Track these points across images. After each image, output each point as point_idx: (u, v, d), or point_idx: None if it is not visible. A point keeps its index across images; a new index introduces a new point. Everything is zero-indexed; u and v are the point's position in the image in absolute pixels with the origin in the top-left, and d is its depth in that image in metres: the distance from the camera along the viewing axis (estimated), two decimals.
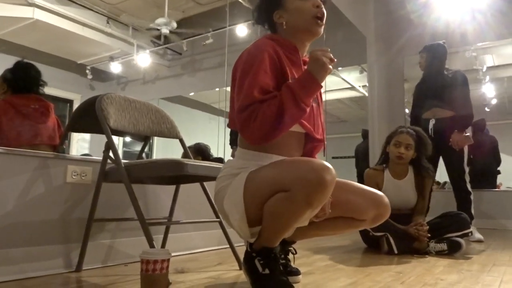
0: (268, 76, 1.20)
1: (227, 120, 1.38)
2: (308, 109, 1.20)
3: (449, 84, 3.08)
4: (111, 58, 6.67)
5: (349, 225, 1.40)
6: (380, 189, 2.41)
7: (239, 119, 1.17)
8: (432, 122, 3.11)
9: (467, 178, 3.03)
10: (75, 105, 6.34)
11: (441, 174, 3.62)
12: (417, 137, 2.44)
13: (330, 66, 1.17)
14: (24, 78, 2.18)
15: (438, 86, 3.10)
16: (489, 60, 5.21)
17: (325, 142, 1.41)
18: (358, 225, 1.40)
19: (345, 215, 1.38)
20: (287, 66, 1.26)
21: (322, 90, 1.32)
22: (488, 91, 5.39)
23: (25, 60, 2.28)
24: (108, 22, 6.08)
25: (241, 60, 1.26)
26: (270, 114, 1.13)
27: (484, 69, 5.19)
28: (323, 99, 1.46)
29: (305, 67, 1.23)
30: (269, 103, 1.15)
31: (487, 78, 5.30)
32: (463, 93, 3.05)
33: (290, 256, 1.53)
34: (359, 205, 1.36)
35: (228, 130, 4.80)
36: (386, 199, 1.39)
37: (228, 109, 1.35)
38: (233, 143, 4.15)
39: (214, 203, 1.35)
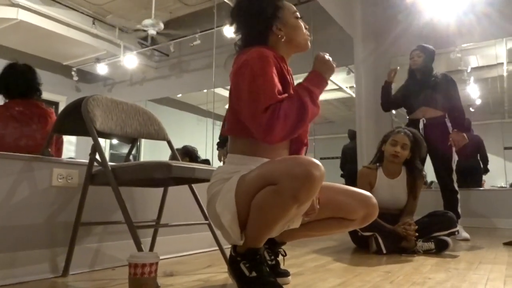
0: (277, 79, 1.27)
1: (216, 122, 1.39)
2: None
3: (440, 84, 3.12)
4: (97, 60, 6.60)
5: (339, 225, 1.42)
6: (372, 187, 2.46)
7: (261, 119, 1.18)
8: (422, 122, 3.15)
9: (455, 177, 3.08)
10: (61, 107, 6.24)
11: (428, 173, 3.66)
12: (413, 138, 2.48)
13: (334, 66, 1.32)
14: (20, 83, 2.11)
15: (429, 86, 3.14)
16: (474, 61, 5.30)
17: (308, 144, 1.44)
18: (348, 225, 1.42)
19: (336, 215, 1.40)
20: (284, 71, 1.34)
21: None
22: (472, 92, 5.48)
23: (20, 63, 2.20)
24: (94, 23, 6.02)
25: (245, 66, 1.25)
26: (292, 113, 1.19)
27: (469, 70, 5.28)
28: None
29: (308, 72, 1.34)
30: (288, 102, 1.20)
31: (472, 78, 5.39)
32: (455, 93, 3.11)
33: (280, 257, 1.53)
34: (349, 204, 1.38)
35: (216, 131, 4.79)
36: (374, 199, 1.43)
37: (215, 110, 1.37)
38: (220, 145, 4.14)
39: (206, 210, 1.34)
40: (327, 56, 1.33)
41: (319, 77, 1.30)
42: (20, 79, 2.13)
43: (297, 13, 1.44)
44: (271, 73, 1.24)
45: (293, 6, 1.45)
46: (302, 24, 1.43)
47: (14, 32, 5.48)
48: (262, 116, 1.18)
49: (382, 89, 3.37)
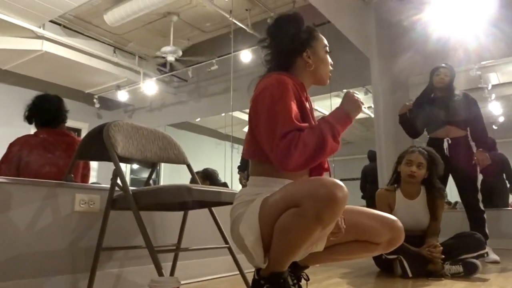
0: (295, 105, 1.27)
1: (234, 145, 1.40)
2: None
3: (462, 103, 3.08)
4: (118, 87, 6.77)
5: (363, 249, 1.38)
6: (392, 209, 2.40)
7: (279, 146, 1.18)
8: (447, 142, 3.09)
9: (480, 197, 2.99)
10: (83, 134, 6.39)
11: (451, 193, 3.56)
12: (429, 157, 2.41)
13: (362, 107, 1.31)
14: (51, 113, 2.18)
15: (454, 106, 3.10)
16: (494, 78, 5.21)
17: (329, 169, 1.44)
18: (372, 249, 1.39)
19: (360, 239, 1.37)
20: (302, 99, 1.34)
21: (327, 113, 1.37)
22: (494, 109, 5.37)
23: (47, 93, 2.28)
24: (114, 52, 6.21)
25: (264, 92, 1.28)
26: (311, 144, 1.18)
27: (490, 87, 5.19)
28: None
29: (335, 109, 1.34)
30: (308, 132, 1.20)
31: (493, 96, 5.29)
32: (477, 112, 3.07)
33: (303, 282, 1.49)
34: (374, 227, 1.35)
35: (234, 154, 4.80)
36: (399, 223, 1.39)
37: (234, 134, 1.38)
38: (241, 168, 4.14)
39: (230, 232, 1.33)
40: (356, 95, 1.32)
41: (344, 114, 1.29)
42: (51, 110, 2.20)
43: (327, 48, 1.46)
44: (290, 99, 1.25)
45: (325, 40, 1.47)
46: (329, 59, 1.45)
47: (39, 63, 5.70)
48: (279, 143, 1.18)
49: (402, 123, 3.31)
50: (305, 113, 1.32)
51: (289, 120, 1.20)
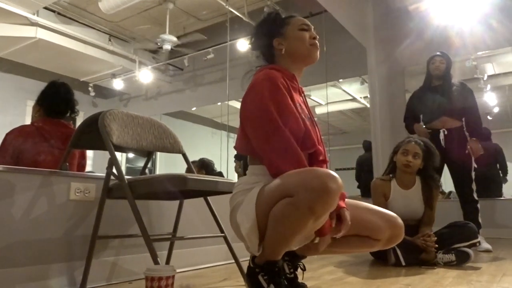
0: (284, 99, 1.30)
1: (230, 134, 1.42)
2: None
3: (458, 93, 3.09)
4: (113, 75, 6.72)
5: (363, 244, 1.40)
6: (387, 199, 2.42)
7: (264, 149, 1.27)
8: (443, 133, 3.10)
9: (474, 187, 3.02)
10: (78, 122, 6.35)
11: (446, 183, 3.59)
12: (425, 147, 2.43)
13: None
14: (55, 100, 2.16)
15: (449, 95, 3.10)
16: (490, 69, 5.22)
17: (327, 161, 1.44)
18: (372, 245, 1.40)
19: (361, 234, 1.38)
20: (292, 92, 1.36)
21: (323, 103, 1.38)
22: (490, 100, 5.39)
23: (59, 81, 2.26)
24: (110, 40, 6.14)
25: (252, 89, 1.32)
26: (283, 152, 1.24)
27: (485, 78, 5.20)
28: (327, 110, 1.49)
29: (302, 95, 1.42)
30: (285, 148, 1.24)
31: (488, 86, 5.30)
32: (473, 103, 3.09)
33: (299, 271, 1.51)
34: (375, 223, 1.37)
35: (230, 144, 4.80)
36: (400, 220, 1.41)
37: (230, 123, 1.40)
38: (238, 157, 4.15)
39: (230, 221, 1.34)
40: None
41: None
42: (63, 99, 2.18)
43: (303, 25, 1.44)
44: (277, 95, 1.29)
45: (302, 19, 1.46)
46: (306, 35, 1.42)
47: (33, 50, 5.63)
48: (263, 145, 1.26)
49: (407, 127, 3.33)
50: (294, 105, 1.33)
51: (272, 119, 1.25)
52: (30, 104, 2.22)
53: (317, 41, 1.43)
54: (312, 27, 1.46)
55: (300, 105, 1.38)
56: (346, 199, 1.33)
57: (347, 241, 1.39)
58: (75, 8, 5.55)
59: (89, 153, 2.28)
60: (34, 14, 5.13)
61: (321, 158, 1.39)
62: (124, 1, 4.99)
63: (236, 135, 1.42)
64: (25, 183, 1.58)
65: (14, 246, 1.51)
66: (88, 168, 2.35)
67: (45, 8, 5.23)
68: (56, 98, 2.17)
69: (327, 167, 1.42)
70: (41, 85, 2.27)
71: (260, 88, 1.30)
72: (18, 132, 2.06)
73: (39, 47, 5.56)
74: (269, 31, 1.45)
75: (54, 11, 5.47)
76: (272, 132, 1.25)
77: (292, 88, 1.37)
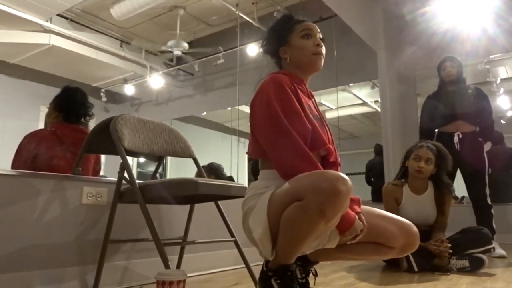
0: (292, 102, 1.31)
1: (240, 139, 1.43)
2: None
3: (475, 98, 3.05)
4: (125, 81, 6.79)
5: (377, 252, 1.37)
6: (399, 204, 2.39)
7: (272, 150, 1.28)
8: (458, 136, 3.07)
9: (488, 192, 2.97)
10: (90, 127, 6.42)
11: (458, 188, 3.54)
12: (437, 152, 2.39)
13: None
14: (73, 105, 2.17)
15: (464, 99, 3.07)
16: (503, 72, 5.16)
17: (338, 164, 1.42)
18: (386, 253, 1.37)
19: (375, 241, 1.36)
20: (300, 94, 1.36)
21: (334, 107, 1.38)
22: (503, 103, 5.32)
23: (72, 86, 2.27)
24: (121, 46, 6.22)
25: (260, 94, 1.33)
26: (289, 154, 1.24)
27: (498, 81, 5.14)
28: (337, 115, 1.49)
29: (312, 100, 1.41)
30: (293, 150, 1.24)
31: (501, 90, 5.24)
32: (488, 108, 3.06)
33: (310, 276, 1.50)
34: (390, 231, 1.34)
35: (241, 148, 4.81)
36: (415, 228, 1.38)
37: (240, 128, 1.41)
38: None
39: (242, 225, 1.34)
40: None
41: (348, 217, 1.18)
42: (81, 104, 2.20)
43: (305, 31, 1.41)
44: (284, 99, 1.29)
45: (304, 25, 1.42)
46: (308, 43, 1.39)
47: (47, 56, 5.73)
48: (269, 146, 1.27)
49: (421, 133, 3.28)
50: (302, 106, 1.33)
51: (279, 119, 1.25)
52: (44, 109, 2.25)
53: (321, 48, 1.40)
54: (317, 31, 1.42)
55: (309, 106, 1.38)
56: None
57: (361, 247, 1.37)
58: (87, 14, 5.64)
59: (101, 158, 2.30)
60: (47, 21, 5.23)
61: (331, 159, 1.37)
62: (135, 7, 5.06)
63: (246, 140, 1.43)
64: (39, 187, 1.60)
65: (27, 250, 1.52)
66: (100, 172, 2.37)
67: (58, 15, 5.33)
68: (74, 103, 2.19)
69: (339, 170, 1.40)
70: (54, 91, 2.29)
71: (266, 90, 1.31)
72: (31, 137, 2.09)
73: (52, 54, 5.65)
74: (276, 38, 1.46)
75: (67, 18, 5.56)
76: (279, 134, 1.25)
77: (300, 90, 1.37)
